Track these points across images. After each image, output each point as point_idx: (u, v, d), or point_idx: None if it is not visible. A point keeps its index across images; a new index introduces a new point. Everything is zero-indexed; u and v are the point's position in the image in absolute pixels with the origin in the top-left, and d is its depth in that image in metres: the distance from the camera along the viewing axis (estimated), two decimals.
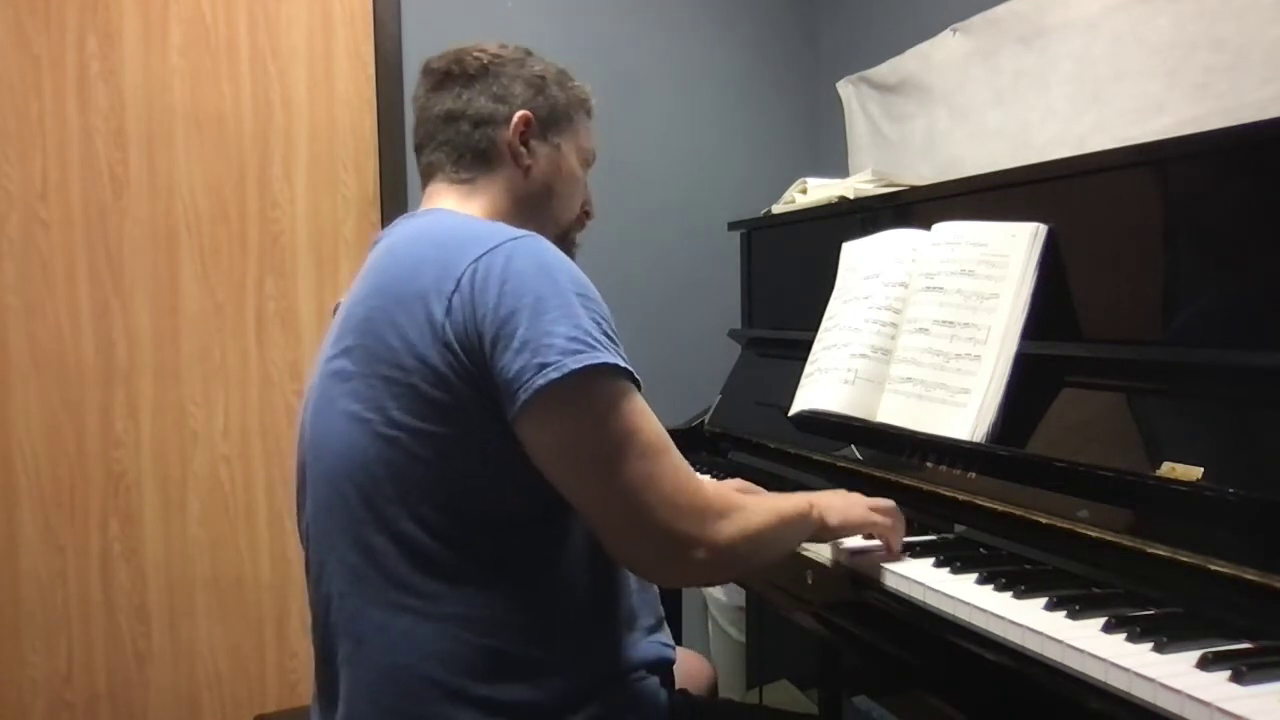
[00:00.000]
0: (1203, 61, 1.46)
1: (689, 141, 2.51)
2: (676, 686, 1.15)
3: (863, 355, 1.44)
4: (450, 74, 1.11)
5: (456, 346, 0.89)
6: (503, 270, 0.90)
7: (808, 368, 1.56)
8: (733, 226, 2.14)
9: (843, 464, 1.47)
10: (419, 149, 1.15)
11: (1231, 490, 0.92)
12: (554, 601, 0.96)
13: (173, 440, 2.07)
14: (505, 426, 0.90)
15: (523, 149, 1.10)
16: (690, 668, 1.30)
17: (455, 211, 1.07)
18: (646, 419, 0.91)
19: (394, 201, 2.19)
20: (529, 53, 1.16)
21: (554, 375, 0.86)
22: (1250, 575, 0.87)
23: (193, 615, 2.09)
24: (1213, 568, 0.90)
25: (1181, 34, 1.49)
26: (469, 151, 1.10)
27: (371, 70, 2.18)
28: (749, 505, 0.98)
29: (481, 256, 0.91)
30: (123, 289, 2.02)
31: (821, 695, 2.05)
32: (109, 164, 2.01)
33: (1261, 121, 1.03)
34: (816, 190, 1.90)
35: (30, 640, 1.97)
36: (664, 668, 1.10)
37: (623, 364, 0.91)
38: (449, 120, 1.10)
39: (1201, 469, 0.95)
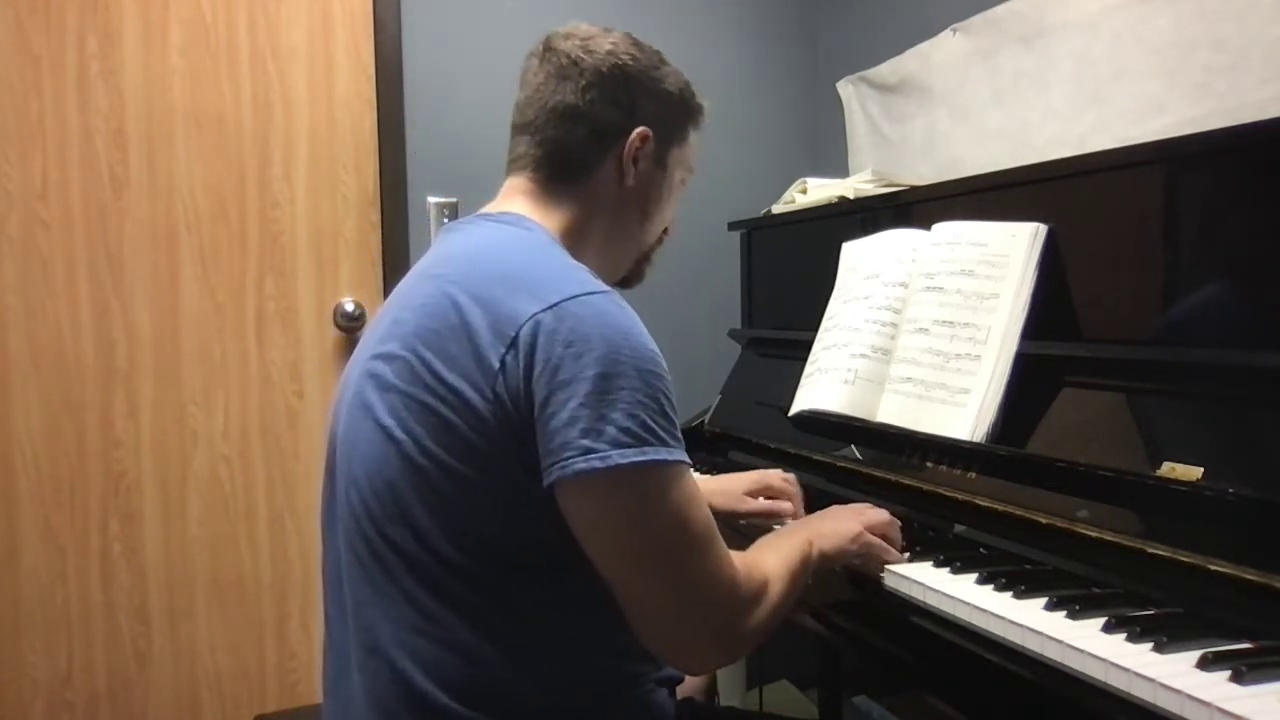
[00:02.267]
0: (1203, 61, 1.46)
1: None
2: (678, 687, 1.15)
3: (863, 355, 1.44)
4: (578, 64, 1.02)
5: (506, 399, 0.86)
6: (568, 333, 0.85)
7: (808, 368, 1.56)
8: (733, 226, 2.14)
9: (843, 464, 1.47)
10: (519, 130, 1.06)
11: (1231, 490, 0.92)
12: (571, 641, 0.94)
13: (173, 440, 2.07)
14: (536, 480, 0.87)
15: (632, 166, 1.04)
16: None
17: (530, 226, 1.01)
18: (689, 508, 0.88)
19: (394, 202, 2.19)
20: (663, 61, 1.08)
21: (597, 464, 0.83)
22: (1250, 575, 0.87)
23: (193, 615, 2.09)
24: (1213, 568, 0.90)
25: (1181, 34, 1.49)
26: (574, 156, 1.03)
27: (371, 70, 2.18)
28: (769, 575, 0.96)
29: (549, 309, 0.86)
30: (123, 289, 2.02)
31: (821, 695, 2.05)
32: (109, 164, 2.01)
33: (1261, 121, 1.03)
34: (816, 190, 1.90)
35: (30, 640, 1.97)
36: (673, 681, 1.09)
37: (670, 458, 0.87)
38: (566, 118, 1.02)
39: (1201, 469, 0.95)
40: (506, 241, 0.99)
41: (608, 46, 1.04)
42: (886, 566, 1.11)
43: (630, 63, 1.04)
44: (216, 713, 2.11)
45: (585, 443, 0.83)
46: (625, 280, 1.16)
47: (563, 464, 0.84)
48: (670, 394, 0.90)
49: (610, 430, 0.84)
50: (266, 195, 2.12)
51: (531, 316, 0.86)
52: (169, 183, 2.05)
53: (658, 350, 0.90)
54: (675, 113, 1.08)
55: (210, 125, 2.07)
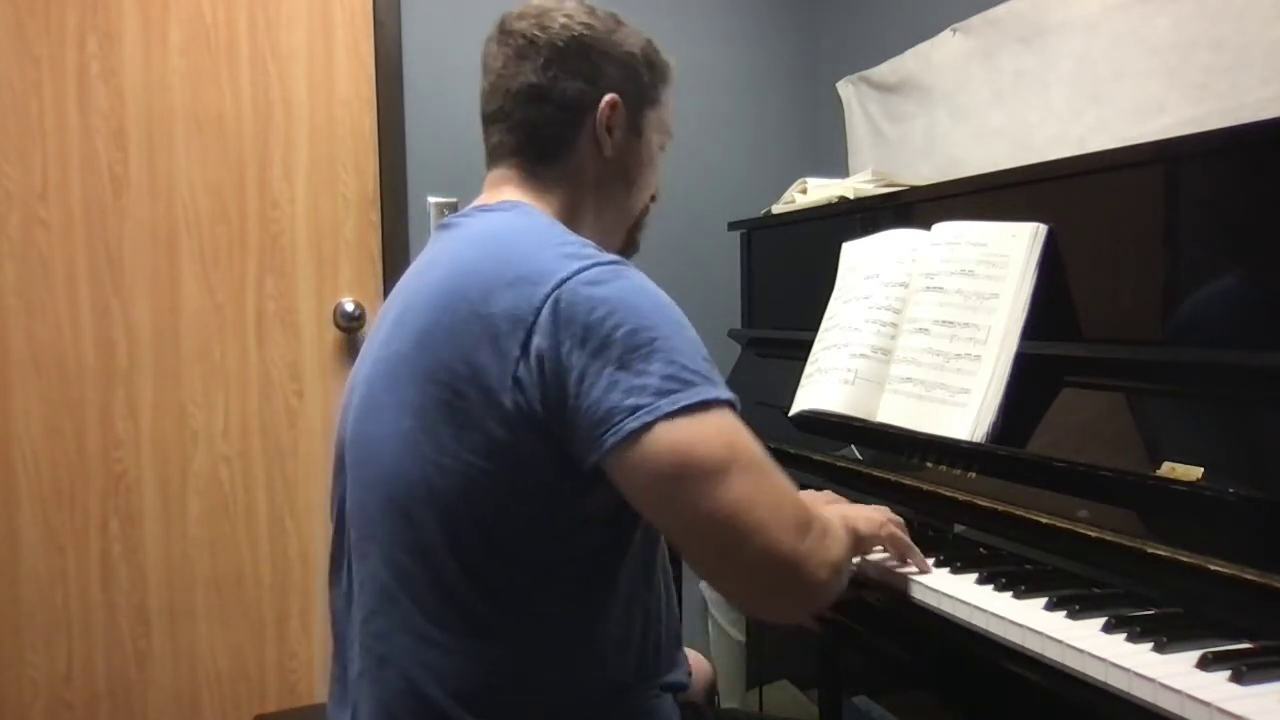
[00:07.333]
0: (1203, 61, 1.46)
1: (689, 141, 2.49)
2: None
3: (863, 355, 1.44)
4: (535, 42, 1.01)
5: (529, 384, 0.84)
6: (588, 300, 0.85)
7: (808, 368, 1.56)
8: (733, 226, 2.14)
9: (843, 464, 1.47)
10: (490, 120, 1.05)
11: (1231, 490, 0.92)
12: (580, 649, 0.93)
13: (173, 440, 2.07)
14: (558, 471, 0.86)
15: (607, 136, 1.03)
16: (690, 667, 1.30)
17: (529, 211, 1.00)
18: (743, 438, 0.85)
19: (394, 202, 2.19)
20: (619, 22, 1.07)
21: (647, 419, 0.81)
22: (1250, 575, 0.86)
23: (193, 615, 2.09)
24: (1213, 568, 0.90)
25: (1181, 34, 1.49)
26: (549, 136, 1.02)
27: (371, 70, 2.18)
28: (828, 521, 0.90)
29: (564, 284, 0.85)
30: (123, 289, 2.02)
31: (821, 695, 2.05)
32: (109, 164, 2.01)
33: (1261, 121, 1.03)
34: (816, 190, 1.90)
35: (30, 640, 1.97)
36: (676, 688, 1.09)
37: (719, 396, 0.85)
38: (532, 99, 1.01)
39: (1201, 469, 0.95)
40: (510, 228, 0.97)
41: (562, 20, 1.02)
42: (887, 565, 1.11)
43: (586, 32, 1.02)
44: (216, 713, 2.11)
45: (630, 402, 0.82)
46: (621, 252, 1.14)
47: (615, 429, 0.82)
48: (700, 343, 0.89)
49: (652, 381, 0.82)
50: (266, 195, 2.12)
51: (549, 295, 0.85)
52: (169, 183, 2.05)
53: (676, 305, 0.90)
54: (641, 74, 1.07)
55: (210, 125, 2.07)
